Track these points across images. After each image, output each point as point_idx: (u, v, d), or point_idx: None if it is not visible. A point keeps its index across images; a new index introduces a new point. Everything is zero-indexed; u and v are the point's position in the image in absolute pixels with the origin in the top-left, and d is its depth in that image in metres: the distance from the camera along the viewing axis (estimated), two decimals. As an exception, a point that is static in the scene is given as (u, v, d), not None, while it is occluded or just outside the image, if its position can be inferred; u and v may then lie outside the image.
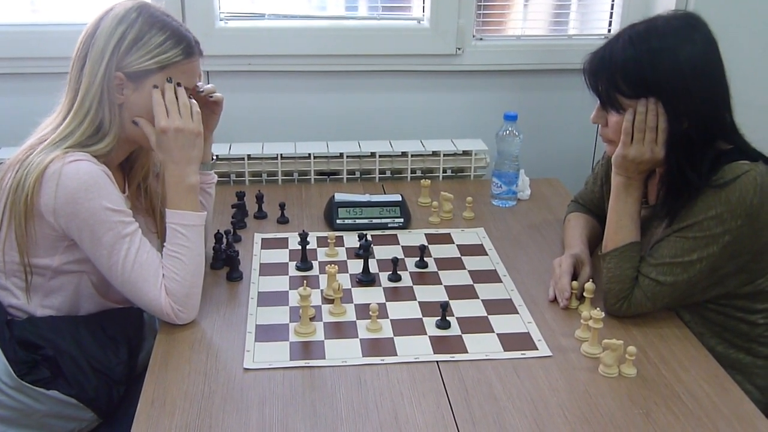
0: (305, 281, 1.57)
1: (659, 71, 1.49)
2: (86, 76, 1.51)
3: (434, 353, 1.49)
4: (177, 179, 1.55)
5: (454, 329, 1.57)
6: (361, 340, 1.53)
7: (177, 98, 1.55)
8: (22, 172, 1.46)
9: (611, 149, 1.62)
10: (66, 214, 1.46)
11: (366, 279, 1.74)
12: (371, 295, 1.68)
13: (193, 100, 1.59)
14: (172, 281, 1.52)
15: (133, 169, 1.69)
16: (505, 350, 1.50)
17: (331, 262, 1.75)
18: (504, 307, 1.66)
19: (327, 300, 1.65)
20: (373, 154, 2.37)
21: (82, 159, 1.47)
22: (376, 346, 1.51)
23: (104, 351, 1.54)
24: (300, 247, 1.80)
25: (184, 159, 1.56)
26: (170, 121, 1.53)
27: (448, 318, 1.57)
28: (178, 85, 1.56)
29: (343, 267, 1.80)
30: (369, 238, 1.83)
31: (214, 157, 1.82)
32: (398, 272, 1.76)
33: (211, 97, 1.70)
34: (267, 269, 1.80)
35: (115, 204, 1.49)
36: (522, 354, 1.49)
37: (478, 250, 1.91)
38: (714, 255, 1.51)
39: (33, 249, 1.51)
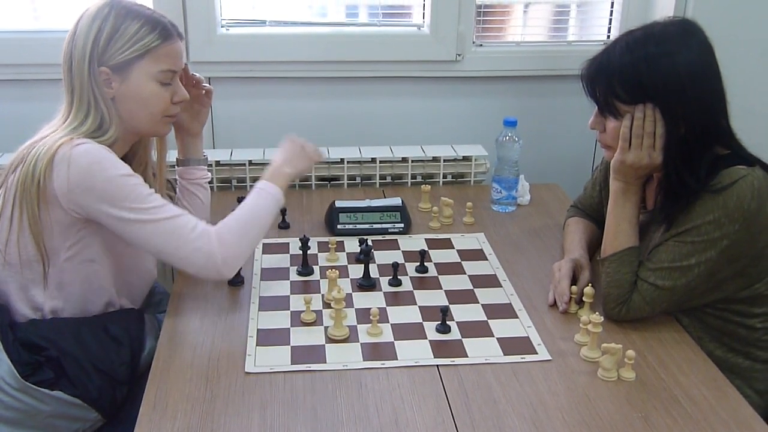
0: (337, 289, 1.57)
1: (656, 77, 1.50)
2: (76, 78, 1.55)
3: (434, 357, 1.50)
4: (277, 164, 1.73)
5: (454, 333, 1.57)
6: (361, 344, 1.54)
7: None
8: (31, 161, 1.49)
9: (609, 155, 1.63)
10: (82, 191, 1.47)
11: (366, 284, 1.75)
12: (372, 300, 1.69)
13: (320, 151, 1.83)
14: (228, 219, 1.59)
15: (132, 165, 1.70)
16: (504, 354, 1.51)
17: (331, 267, 1.76)
18: (504, 311, 1.66)
19: (327, 305, 1.66)
20: (373, 160, 2.38)
21: (88, 142, 1.51)
22: (376, 351, 1.52)
23: (107, 351, 1.55)
24: (301, 252, 1.81)
25: (287, 159, 1.74)
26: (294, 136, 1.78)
27: (448, 322, 1.58)
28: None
29: (343, 272, 1.81)
30: (369, 242, 1.84)
31: (206, 155, 1.88)
32: (398, 277, 1.77)
33: (204, 86, 1.76)
34: (268, 274, 1.81)
35: (129, 172, 1.52)
36: (522, 358, 1.50)
37: (478, 255, 1.92)
38: (712, 259, 1.52)
39: (47, 235, 1.52)
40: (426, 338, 1.56)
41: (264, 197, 1.65)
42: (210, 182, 1.91)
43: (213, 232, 1.55)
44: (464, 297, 1.72)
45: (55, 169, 1.47)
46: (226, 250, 1.54)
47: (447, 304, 1.66)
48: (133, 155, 1.71)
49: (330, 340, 1.55)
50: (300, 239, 1.81)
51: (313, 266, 1.83)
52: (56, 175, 1.47)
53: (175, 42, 1.61)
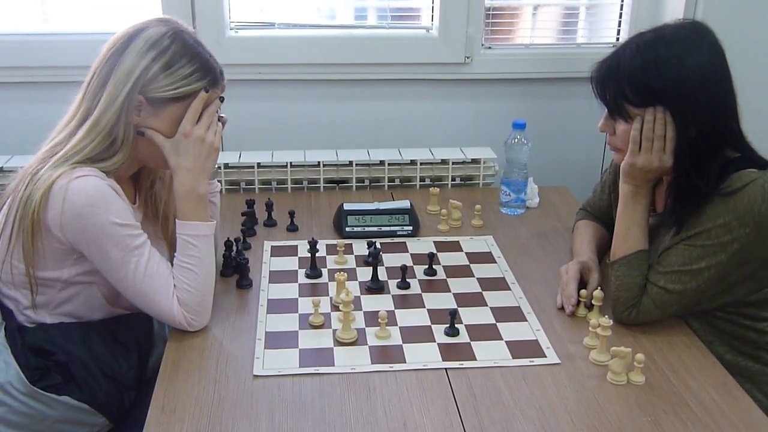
0: (345, 292, 1.56)
1: (666, 80, 1.50)
2: (107, 94, 1.49)
3: (443, 360, 1.50)
4: (188, 188, 1.56)
5: (463, 336, 1.57)
6: (370, 347, 1.54)
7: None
8: (31, 187, 1.46)
9: (619, 157, 1.63)
10: (73, 230, 1.46)
11: (375, 286, 1.75)
12: (380, 303, 1.69)
13: (219, 124, 1.61)
14: (185, 292, 1.53)
15: (141, 177, 1.70)
16: (513, 357, 1.51)
17: (340, 270, 1.76)
18: (512, 314, 1.66)
19: (336, 308, 1.66)
20: (382, 162, 2.38)
21: (89, 174, 1.47)
22: (385, 354, 1.52)
23: (115, 356, 1.56)
24: (309, 255, 1.81)
25: (198, 168, 1.56)
26: (197, 128, 1.54)
27: (456, 325, 1.58)
28: (221, 99, 1.59)
29: (352, 274, 1.81)
30: (378, 245, 1.84)
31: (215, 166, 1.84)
32: (407, 280, 1.76)
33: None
34: (276, 277, 1.81)
35: (122, 218, 1.48)
36: (530, 361, 1.50)
37: (486, 257, 1.92)
38: (722, 263, 1.51)
39: (41, 263, 1.51)
40: (434, 341, 1.56)
41: (197, 246, 1.56)
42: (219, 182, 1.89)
43: (179, 312, 1.53)
44: (473, 300, 1.71)
45: (51, 201, 1.44)
46: (192, 320, 1.55)
47: (455, 307, 1.66)
48: (141, 169, 1.68)
49: (338, 342, 1.54)
50: (308, 242, 1.81)
51: (322, 269, 1.83)
52: (51, 208, 1.45)
53: (219, 90, 1.59)
